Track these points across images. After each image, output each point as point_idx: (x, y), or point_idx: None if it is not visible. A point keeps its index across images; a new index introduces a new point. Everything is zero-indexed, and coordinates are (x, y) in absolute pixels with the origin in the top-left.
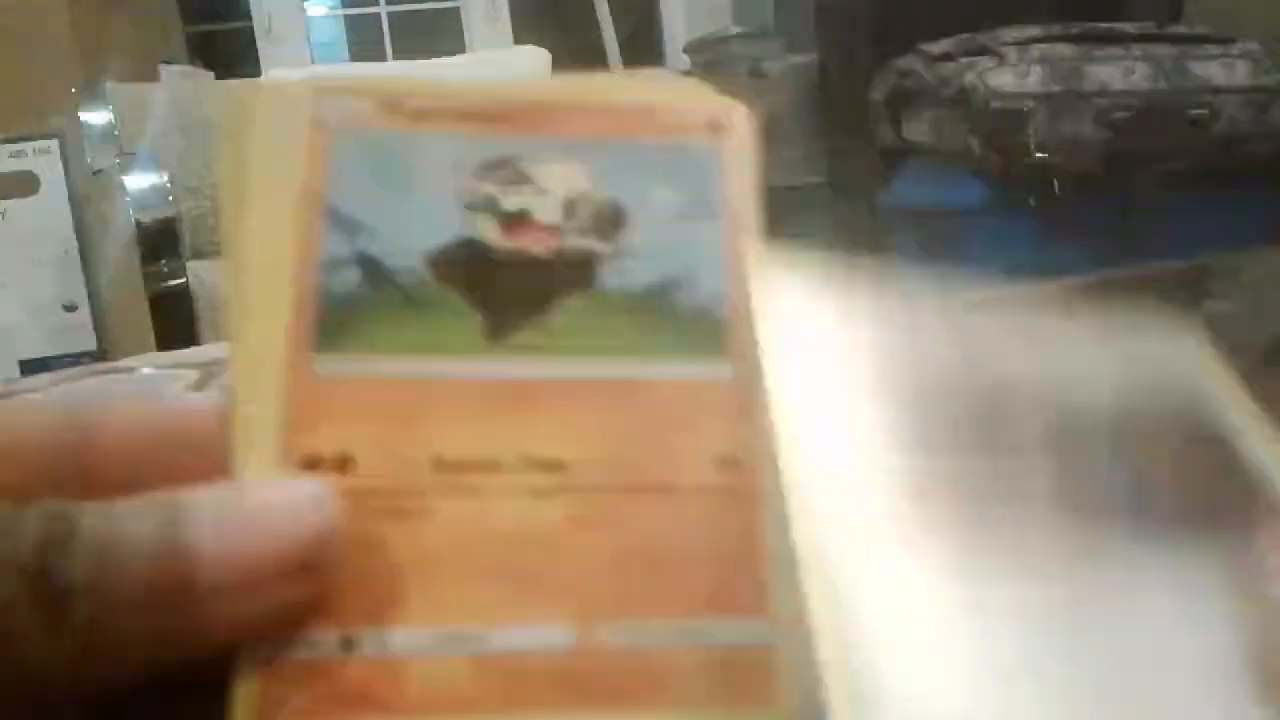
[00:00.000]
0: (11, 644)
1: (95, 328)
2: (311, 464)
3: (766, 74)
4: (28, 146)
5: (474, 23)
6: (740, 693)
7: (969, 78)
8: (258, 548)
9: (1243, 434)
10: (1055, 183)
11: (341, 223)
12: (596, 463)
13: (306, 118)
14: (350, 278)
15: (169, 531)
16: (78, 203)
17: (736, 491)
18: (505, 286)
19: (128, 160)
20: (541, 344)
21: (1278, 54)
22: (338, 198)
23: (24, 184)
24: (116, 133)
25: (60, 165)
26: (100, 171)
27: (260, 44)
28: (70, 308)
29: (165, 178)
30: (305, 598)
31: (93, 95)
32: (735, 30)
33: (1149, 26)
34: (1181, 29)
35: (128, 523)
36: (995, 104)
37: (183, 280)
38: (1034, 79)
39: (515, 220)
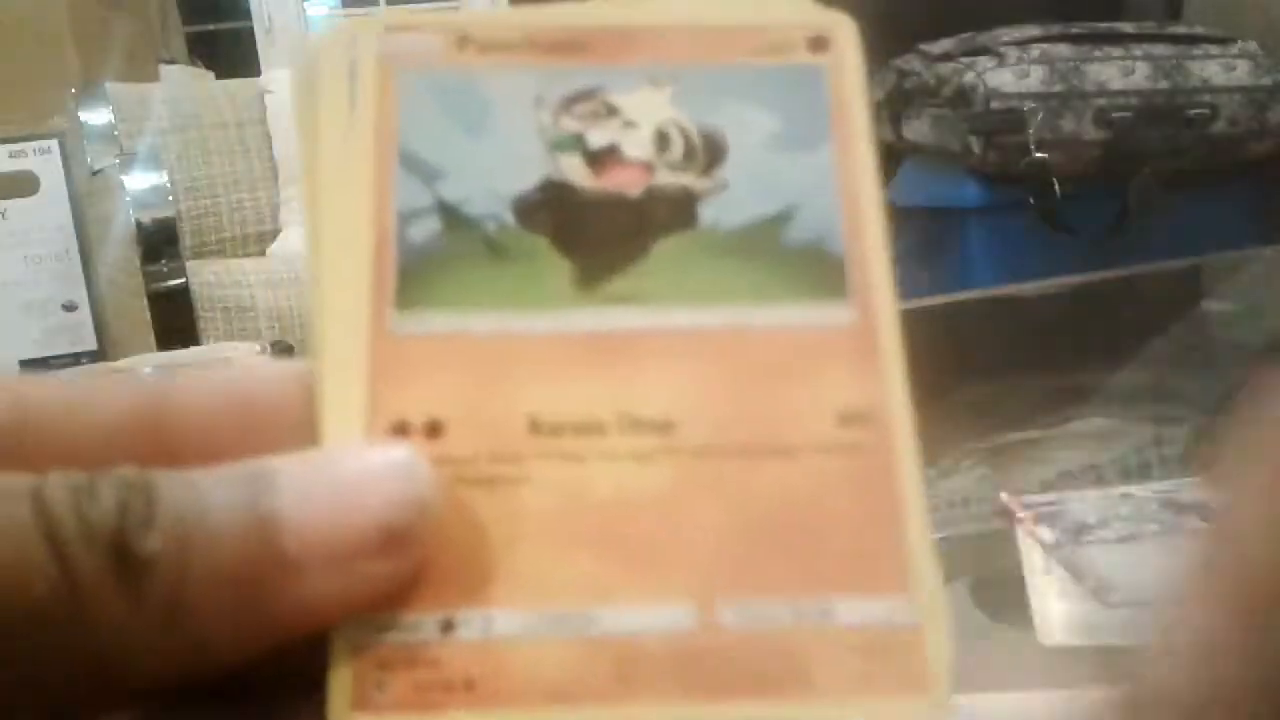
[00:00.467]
0: (89, 621)
1: (95, 327)
2: (399, 431)
3: None
4: (28, 146)
5: None
6: (887, 680)
7: (968, 77)
8: (350, 519)
9: None
10: (1055, 182)
11: (418, 169)
12: (706, 421)
13: (374, 57)
14: (430, 227)
15: (256, 500)
16: (78, 203)
17: (864, 449)
18: (596, 231)
19: (128, 160)
20: (639, 292)
21: (1278, 54)
22: (413, 142)
23: (24, 184)
24: (116, 133)
25: (60, 165)
26: (100, 171)
27: (260, 44)
28: (70, 307)
29: (165, 178)
30: (401, 574)
31: (93, 95)
32: None
33: (1149, 26)
34: (1181, 29)
35: (212, 492)
36: (995, 103)
37: (182, 280)
38: (1033, 79)
39: (603, 157)
